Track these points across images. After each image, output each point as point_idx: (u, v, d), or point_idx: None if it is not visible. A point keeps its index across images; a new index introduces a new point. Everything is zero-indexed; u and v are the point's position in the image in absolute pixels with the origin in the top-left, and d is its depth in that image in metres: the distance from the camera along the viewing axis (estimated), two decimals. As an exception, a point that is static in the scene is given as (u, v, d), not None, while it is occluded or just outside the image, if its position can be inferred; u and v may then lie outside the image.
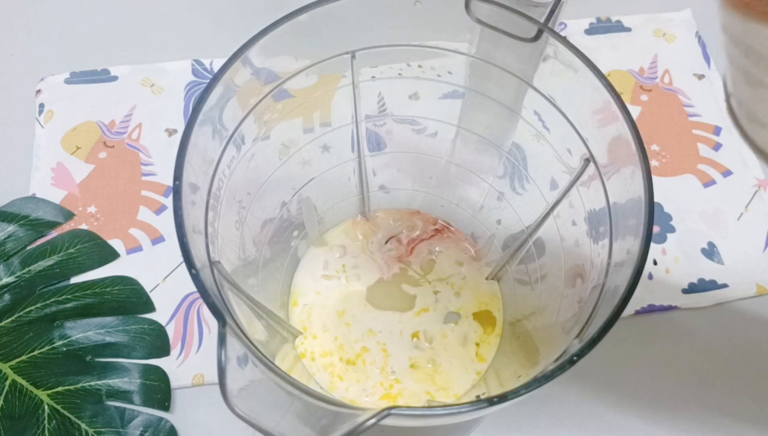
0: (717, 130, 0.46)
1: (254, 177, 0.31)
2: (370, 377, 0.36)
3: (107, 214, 0.42)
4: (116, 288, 0.39)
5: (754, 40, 0.18)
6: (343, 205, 0.39)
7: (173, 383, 0.37)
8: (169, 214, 0.42)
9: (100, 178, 0.43)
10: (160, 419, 0.36)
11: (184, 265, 0.22)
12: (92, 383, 0.36)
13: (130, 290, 0.39)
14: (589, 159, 0.28)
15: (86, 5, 0.51)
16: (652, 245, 0.41)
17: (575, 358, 0.21)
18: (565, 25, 0.50)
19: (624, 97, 0.42)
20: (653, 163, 0.45)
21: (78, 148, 0.44)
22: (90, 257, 0.40)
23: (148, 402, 0.36)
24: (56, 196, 0.43)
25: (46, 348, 0.37)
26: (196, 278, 0.21)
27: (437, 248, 0.39)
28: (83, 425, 0.35)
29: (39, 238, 0.41)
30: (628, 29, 0.50)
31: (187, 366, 0.37)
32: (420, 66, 0.32)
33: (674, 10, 0.51)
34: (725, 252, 0.42)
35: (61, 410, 0.35)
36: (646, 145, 0.24)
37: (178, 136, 0.42)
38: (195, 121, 0.24)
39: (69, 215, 0.42)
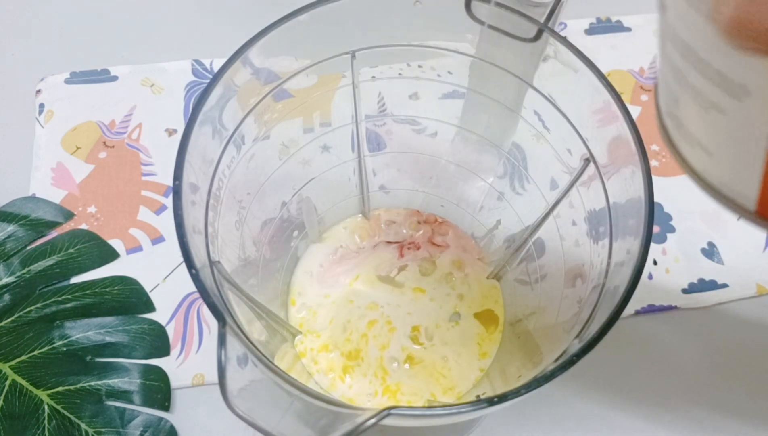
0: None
1: (254, 177, 0.31)
2: (371, 366, 0.35)
3: (107, 215, 0.42)
4: (116, 288, 0.39)
5: (738, 71, 0.14)
6: (343, 205, 0.39)
7: (173, 383, 0.37)
8: (169, 214, 0.42)
9: (100, 178, 0.43)
10: (160, 419, 0.36)
11: (184, 265, 0.22)
12: (92, 383, 0.36)
13: (130, 290, 0.39)
14: (589, 159, 0.28)
15: (86, 5, 0.51)
16: (652, 245, 0.41)
17: (575, 358, 0.21)
18: (565, 25, 0.50)
19: (624, 97, 0.42)
20: (653, 163, 0.45)
21: (78, 148, 0.44)
22: (90, 257, 0.40)
23: (148, 402, 0.36)
24: (56, 196, 0.43)
25: (46, 348, 0.37)
26: (196, 278, 0.21)
27: (436, 251, 0.39)
28: (83, 425, 0.35)
29: (39, 238, 0.41)
30: (628, 29, 0.50)
31: (187, 366, 0.37)
32: (420, 66, 0.32)
33: (674, 10, 0.51)
34: (725, 252, 0.42)
35: (61, 410, 0.35)
36: (646, 145, 0.24)
37: (178, 136, 0.42)
38: (195, 121, 0.24)
39: (69, 215, 0.42)
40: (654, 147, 0.45)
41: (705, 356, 0.39)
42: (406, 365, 0.36)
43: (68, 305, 0.38)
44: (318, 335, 0.36)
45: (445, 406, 0.20)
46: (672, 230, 0.42)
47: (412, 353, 0.36)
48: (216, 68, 0.40)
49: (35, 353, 0.37)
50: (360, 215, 0.40)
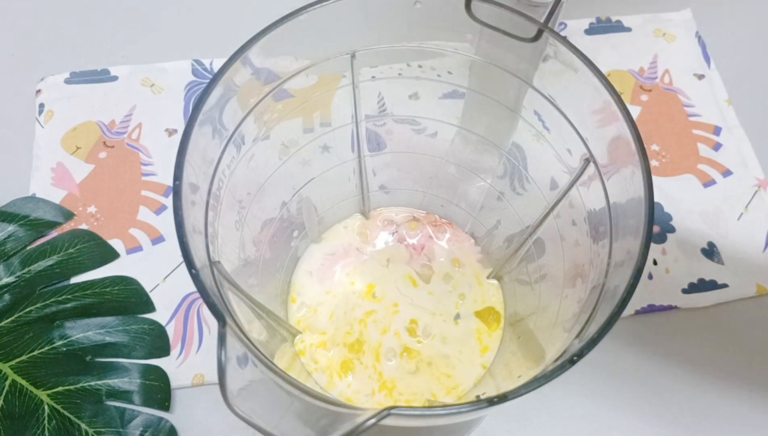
0: (717, 130, 0.46)
1: (254, 177, 0.31)
2: (371, 359, 0.35)
3: (107, 214, 0.42)
4: (116, 288, 0.39)
5: None
6: (343, 205, 0.39)
7: (173, 383, 0.37)
8: (169, 214, 0.42)
9: (100, 178, 0.43)
10: (160, 419, 0.36)
11: (184, 265, 0.22)
12: (92, 383, 0.36)
13: (130, 290, 0.39)
14: (589, 159, 0.28)
15: (86, 5, 0.51)
16: (652, 245, 0.41)
17: (575, 358, 0.21)
18: (565, 25, 0.50)
19: (624, 97, 0.42)
20: (653, 163, 0.45)
21: (78, 148, 0.44)
22: (90, 257, 0.40)
23: (148, 402, 0.36)
24: (56, 196, 0.43)
25: (46, 348, 0.37)
26: (196, 278, 0.21)
27: (437, 248, 0.39)
28: (83, 425, 0.35)
29: (39, 238, 0.41)
30: (628, 29, 0.50)
31: (187, 366, 0.37)
32: (420, 66, 0.32)
33: (674, 10, 0.51)
34: (725, 252, 0.42)
35: (61, 410, 0.35)
36: (646, 145, 0.24)
37: (178, 136, 0.42)
38: (195, 121, 0.24)
39: (69, 215, 0.42)
40: (654, 147, 0.45)
41: (705, 356, 0.39)
42: (404, 359, 0.36)
43: (68, 305, 0.38)
44: (321, 333, 0.37)
45: (444, 406, 0.20)
46: (672, 229, 0.42)
47: (410, 346, 0.36)
48: (216, 68, 0.40)
49: (35, 353, 0.37)
50: (360, 215, 0.40)
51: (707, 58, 0.49)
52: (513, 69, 0.29)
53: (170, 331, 0.38)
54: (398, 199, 0.40)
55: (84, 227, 0.42)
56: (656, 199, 0.43)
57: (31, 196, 0.42)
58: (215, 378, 0.37)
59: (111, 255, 0.41)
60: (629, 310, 0.40)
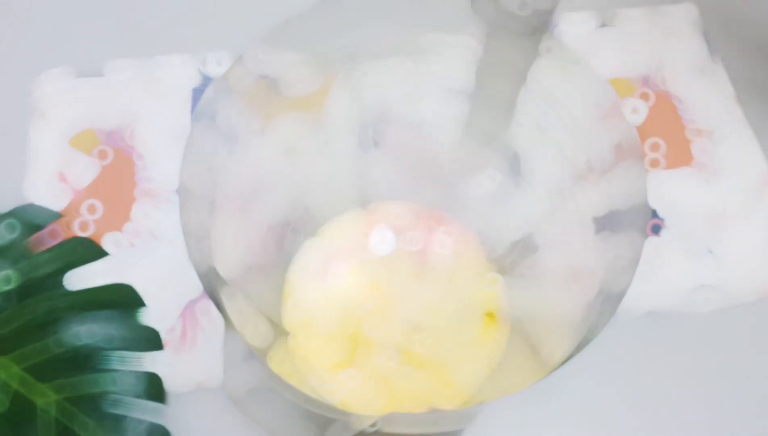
0: (717, 130, 0.46)
1: (254, 177, 0.31)
2: (369, 358, 0.36)
3: (107, 215, 0.42)
4: (114, 289, 0.39)
5: None
6: (342, 204, 0.39)
7: (171, 386, 0.37)
8: (168, 214, 0.42)
9: (99, 180, 0.43)
10: (158, 423, 0.35)
11: (184, 265, 0.22)
12: (91, 386, 0.36)
13: (128, 291, 0.39)
14: (590, 159, 0.28)
15: (86, 4, 0.51)
16: (652, 245, 0.41)
17: (572, 357, 0.21)
18: (565, 26, 0.50)
19: (624, 97, 0.42)
20: (653, 162, 0.45)
21: (77, 149, 0.44)
22: (87, 260, 0.40)
23: (145, 406, 0.36)
24: (55, 198, 0.43)
25: (45, 350, 0.37)
26: (197, 278, 0.21)
27: (437, 247, 0.39)
28: (82, 429, 0.35)
29: (37, 241, 0.41)
30: (628, 29, 0.50)
31: (186, 368, 0.37)
32: (420, 66, 0.32)
33: (675, 5, 0.51)
34: (725, 252, 0.42)
35: (60, 414, 0.35)
36: (645, 145, 0.24)
37: (178, 138, 0.42)
38: (195, 122, 0.24)
39: (66, 218, 0.42)
40: (654, 146, 0.45)
41: (705, 358, 0.39)
42: (402, 360, 0.36)
43: (67, 307, 0.38)
44: (316, 332, 0.37)
45: (443, 410, 0.20)
46: (672, 229, 0.42)
47: (408, 347, 0.36)
48: (218, 68, 0.40)
49: (34, 355, 0.37)
50: (359, 214, 0.40)
51: (709, 56, 0.49)
52: (514, 67, 0.29)
53: (170, 332, 0.38)
54: (398, 199, 0.40)
55: (81, 230, 0.41)
56: (655, 198, 0.43)
57: (28, 200, 0.42)
58: (214, 380, 0.37)
59: (107, 256, 0.40)
60: (630, 310, 0.39)
